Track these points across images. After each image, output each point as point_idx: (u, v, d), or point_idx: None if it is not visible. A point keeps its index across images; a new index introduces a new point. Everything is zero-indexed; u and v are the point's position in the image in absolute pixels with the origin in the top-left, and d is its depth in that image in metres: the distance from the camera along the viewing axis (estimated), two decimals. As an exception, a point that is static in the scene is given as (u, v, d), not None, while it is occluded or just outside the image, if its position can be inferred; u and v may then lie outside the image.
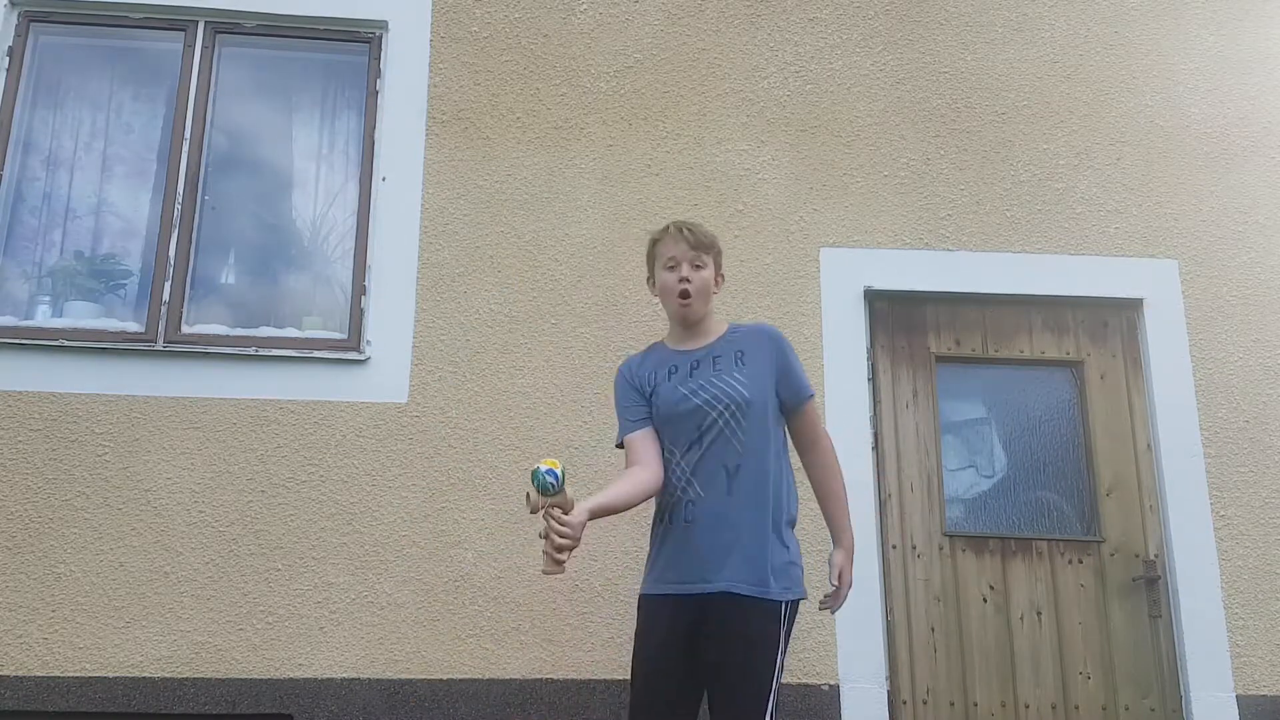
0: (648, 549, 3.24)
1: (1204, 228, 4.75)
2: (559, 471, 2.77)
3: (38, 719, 3.93)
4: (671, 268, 3.22)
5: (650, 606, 3.11)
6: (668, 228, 3.28)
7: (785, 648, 3.01)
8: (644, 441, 3.20)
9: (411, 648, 4.08)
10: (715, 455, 3.09)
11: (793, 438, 3.30)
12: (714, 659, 2.97)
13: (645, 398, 3.23)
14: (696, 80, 4.79)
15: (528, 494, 2.81)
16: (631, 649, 3.12)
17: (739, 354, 3.19)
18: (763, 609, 2.98)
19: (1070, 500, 4.53)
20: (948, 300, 4.64)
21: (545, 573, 2.83)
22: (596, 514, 2.95)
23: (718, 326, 3.29)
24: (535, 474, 2.77)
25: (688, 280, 3.19)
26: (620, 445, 3.29)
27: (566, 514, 2.81)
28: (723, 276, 3.32)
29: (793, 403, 3.23)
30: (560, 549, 2.79)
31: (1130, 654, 4.31)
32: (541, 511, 2.80)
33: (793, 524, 3.17)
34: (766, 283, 4.56)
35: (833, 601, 3.30)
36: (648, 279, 3.37)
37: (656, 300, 3.37)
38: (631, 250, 4.51)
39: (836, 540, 3.29)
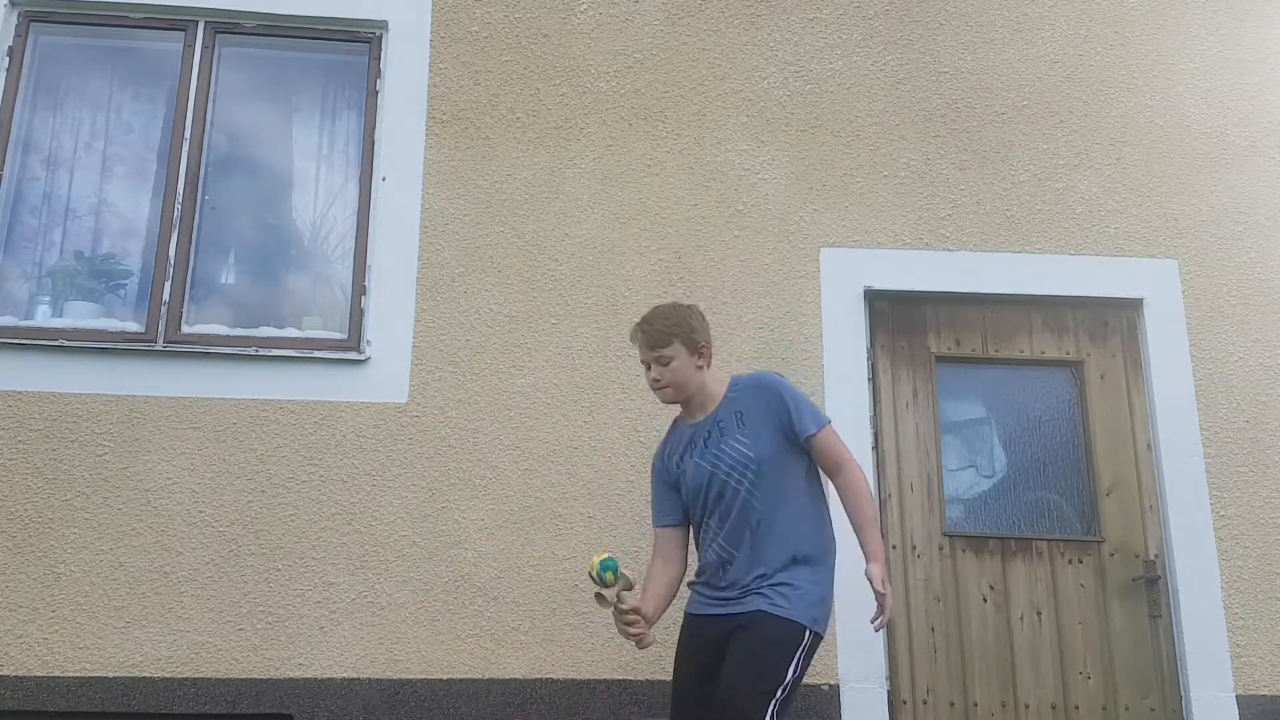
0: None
1: (1204, 227, 4.75)
2: (614, 560, 3.18)
3: (38, 719, 3.93)
4: (646, 368, 3.44)
5: (688, 627, 3.44)
6: (634, 335, 3.46)
7: (799, 673, 3.19)
8: (672, 537, 3.50)
9: (412, 647, 4.08)
10: (741, 516, 3.30)
11: (821, 468, 3.45)
12: (729, 654, 3.20)
13: (676, 489, 3.47)
14: (696, 80, 4.79)
15: (599, 595, 3.20)
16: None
17: (738, 415, 3.37)
18: (787, 627, 3.19)
19: (1070, 500, 4.53)
20: (948, 300, 4.64)
21: (642, 648, 3.30)
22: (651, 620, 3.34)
23: (718, 389, 3.45)
24: (600, 568, 3.16)
25: (658, 380, 3.41)
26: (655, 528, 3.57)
27: (630, 595, 3.25)
28: (704, 348, 3.43)
29: (804, 433, 3.36)
30: (639, 631, 3.25)
31: (1130, 654, 4.31)
32: (613, 608, 3.22)
33: (826, 555, 3.36)
34: (766, 283, 4.56)
35: (882, 614, 3.33)
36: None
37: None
38: (631, 250, 4.52)
39: (870, 552, 3.33)
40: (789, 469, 3.34)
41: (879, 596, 3.26)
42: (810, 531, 3.33)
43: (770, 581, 3.24)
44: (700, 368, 3.41)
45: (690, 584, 3.50)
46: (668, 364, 3.37)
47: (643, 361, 3.44)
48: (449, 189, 4.56)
